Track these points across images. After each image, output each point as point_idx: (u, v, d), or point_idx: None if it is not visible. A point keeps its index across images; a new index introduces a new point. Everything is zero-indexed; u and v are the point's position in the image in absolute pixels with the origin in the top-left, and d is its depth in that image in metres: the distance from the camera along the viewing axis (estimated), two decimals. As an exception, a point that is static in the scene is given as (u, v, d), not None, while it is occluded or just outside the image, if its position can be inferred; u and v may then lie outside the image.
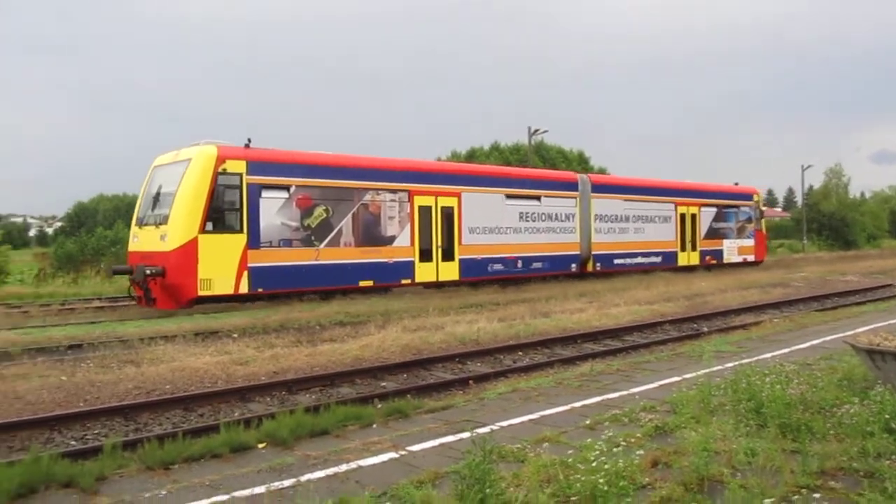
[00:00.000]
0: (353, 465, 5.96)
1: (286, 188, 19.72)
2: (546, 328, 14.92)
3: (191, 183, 18.17)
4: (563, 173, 31.77)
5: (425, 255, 22.85)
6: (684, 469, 5.20)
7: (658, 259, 31.11)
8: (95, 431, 8.03)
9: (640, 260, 30.32)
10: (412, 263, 22.46)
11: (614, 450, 5.42)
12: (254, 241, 18.92)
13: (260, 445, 6.78)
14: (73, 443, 7.64)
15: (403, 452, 6.30)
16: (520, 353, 12.74)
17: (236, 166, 18.73)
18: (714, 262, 33.86)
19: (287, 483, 5.54)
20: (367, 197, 21.51)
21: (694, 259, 33.01)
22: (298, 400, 9.34)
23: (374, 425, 7.47)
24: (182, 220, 17.99)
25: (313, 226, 20.24)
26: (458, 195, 23.94)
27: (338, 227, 20.76)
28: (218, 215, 18.47)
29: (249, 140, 19.59)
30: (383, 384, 10.43)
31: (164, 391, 9.62)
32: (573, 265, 27.57)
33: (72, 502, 5.45)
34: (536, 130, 45.30)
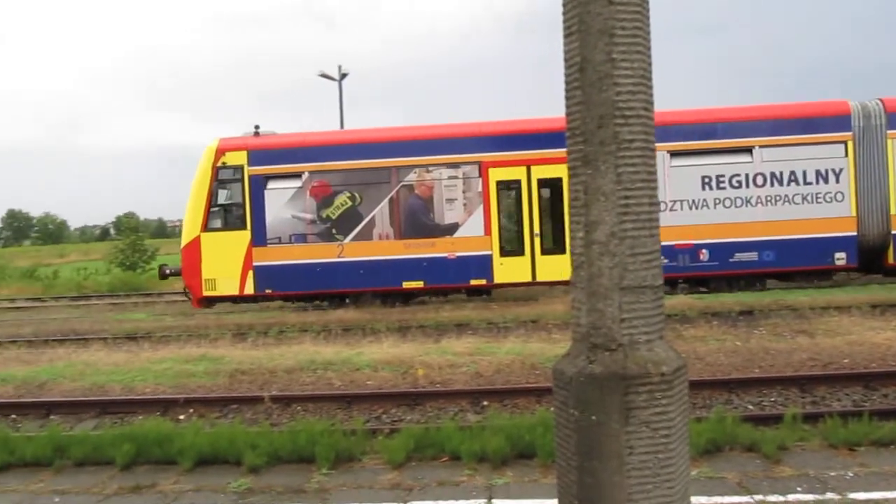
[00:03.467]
0: None
1: (297, 176, 17.53)
2: None
3: (195, 180, 17.86)
4: (809, 105, 17.52)
5: (512, 248, 17.30)
6: None
7: None
8: (771, 399, 8.07)
9: None
10: (488, 258, 17.16)
11: None
12: (259, 238, 17.49)
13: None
14: (750, 408, 7.83)
15: None
16: None
17: (236, 158, 17.58)
18: None
19: None
20: (412, 176, 17.35)
21: None
22: None
23: None
24: (187, 219, 17.89)
25: (334, 217, 17.46)
26: None
27: (368, 217, 17.44)
28: (220, 212, 17.83)
29: (257, 127, 18.17)
30: None
31: (842, 365, 9.15)
32: (839, 255, 16.54)
33: (755, 466, 5.58)
34: None
